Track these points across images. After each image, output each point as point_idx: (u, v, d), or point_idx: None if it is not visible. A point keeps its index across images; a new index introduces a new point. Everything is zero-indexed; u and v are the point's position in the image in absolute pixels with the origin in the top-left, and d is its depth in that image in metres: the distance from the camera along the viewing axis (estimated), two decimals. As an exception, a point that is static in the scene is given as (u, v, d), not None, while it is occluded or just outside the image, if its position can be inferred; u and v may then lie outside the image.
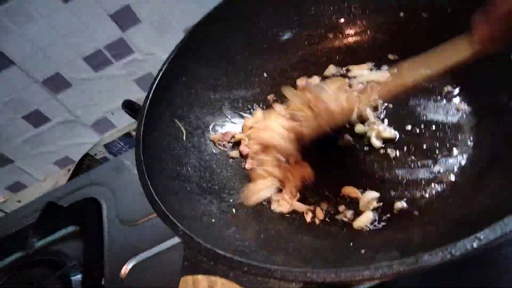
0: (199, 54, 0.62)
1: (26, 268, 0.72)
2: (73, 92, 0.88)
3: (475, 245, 0.25)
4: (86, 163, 1.03)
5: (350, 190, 0.49)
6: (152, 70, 0.89)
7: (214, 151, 0.60)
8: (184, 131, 0.58)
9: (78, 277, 0.66)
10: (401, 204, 0.45)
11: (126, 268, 0.63)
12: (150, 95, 0.55)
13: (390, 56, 0.60)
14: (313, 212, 0.50)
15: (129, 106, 0.90)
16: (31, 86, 0.85)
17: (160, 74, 0.57)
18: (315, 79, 0.63)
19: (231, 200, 0.54)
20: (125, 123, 0.97)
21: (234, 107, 0.64)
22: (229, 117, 0.64)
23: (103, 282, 0.63)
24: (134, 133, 1.00)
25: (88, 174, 0.84)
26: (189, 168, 0.56)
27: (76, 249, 0.73)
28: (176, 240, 0.63)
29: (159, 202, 0.43)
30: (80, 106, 0.92)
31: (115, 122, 0.97)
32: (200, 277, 0.36)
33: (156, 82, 0.57)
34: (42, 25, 0.76)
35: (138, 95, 0.93)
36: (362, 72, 0.60)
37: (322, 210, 0.49)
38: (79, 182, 0.82)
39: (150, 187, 0.44)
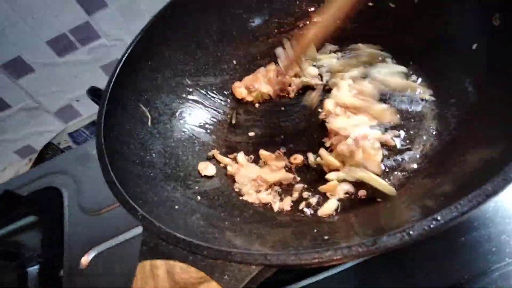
0: (167, 38, 0.60)
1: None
2: (35, 77, 0.84)
3: (432, 225, 0.24)
4: (50, 152, 0.98)
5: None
6: (119, 56, 0.86)
7: (180, 137, 0.58)
8: (149, 116, 0.56)
9: (36, 268, 0.63)
10: (364, 192, 0.45)
11: (86, 259, 0.60)
12: (114, 76, 0.53)
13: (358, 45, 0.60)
14: (281, 201, 0.49)
15: (95, 93, 0.87)
16: (-10, 70, 0.81)
17: (126, 56, 0.55)
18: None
19: (196, 187, 0.53)
20: (91, 111, 0.94)
21: (202, 93, 0.62)
22: (197, 103, 0.62)
23: (61, 273, 0.60)
24: (100, 122, 0.96)
25: (50, 162, 0.80)
26: (153, 154, 0.54)
27: (35, 240, 0.69)
28: (138, 230, 0.61)
29: (117, 185, 0.41)
30: (43, 93, 0.88)
31: (80, 110, 0.94)
32: (158, 262, 0.34)
33: (121, 64, 0.55)
34: (1, 5, 0.72)
35: (105, 82, 0.89)
36: (331, 61, 0.60)
37: (290, 200, 0.49)
38: (40, 171, 0.78)
39: (110, 170, 0.42)
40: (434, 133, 0.47)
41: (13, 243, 0.70)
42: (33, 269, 0.63)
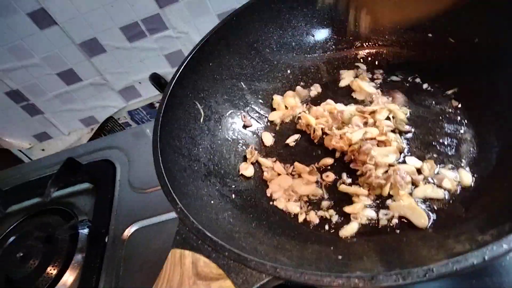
0: (230, 42, 0.64)
1: (41, 214, 0.78)
2: (106, 57, 0.93)
3: (426, 276, 0.27)
4: (109, 125, 1.08)
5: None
6: (182, 48, 0.92)
7: (227, 137, 0.63)
8: (202, 114, 0.61)
9: (85, 231, 0.72)
10: (385, 222, 0.48)
11: (128, 231, 0.68)
12: (178, 74, 0.58)
13: (415, 76, 0.61)
14: (307, 214, 0.53)
15: (156, 80, 0.94)
16: (69, 47, 0.90)
17: (190, 56, 0.60)
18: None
19: (233, 186, 0.57)
20: (151, 94, 1.01)
21: (254, 97, 0.67)
22: (247, 107, 0.66)
23: (106, 240, 0.68)
24: (157, 104, 1.04)
25: (110, 137, 0.89)
26: (200, 149, 0.59)
27: (88, 205, 0.79)
28: (175, 215, 0.67)
29: (165, 176, 0.46)
30: (111, 72, 0.96)
31: (141, 91, 1.02)
32: (187, 252, 0.39)
33: (185, 63, 0.59)
34: (86, -8, 0.80)
35: (166, 70, 0.96)
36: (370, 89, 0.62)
37: (316, 214, 0.52)
38: (100, 144, 0.87)
39: (160, 161, 0.48)
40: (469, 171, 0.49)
41: (69, 204, 0.80)
42: (84, 232, 0.72)
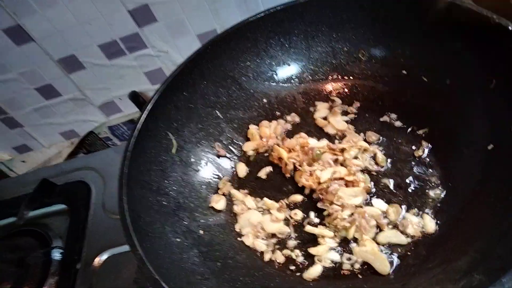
0: (205, 71, 0.64)
1: (14, 235, 0.77)
2: (85, 74, 0.92)
3: None
4: (90, 139, 1.07)
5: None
6: (162, 66, 0.92)
7: (199, 167, 0.63)
8: (175, 144, 0.61)
9: (58, 255, 0.71)
10: (348, 266, 0.48)
11: (100, 259, 0.68)
12: (150, 106, 0.58)
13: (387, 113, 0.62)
14: (273, 252, 0.53)
15: (135, 98, 0.94)
16: (47, 63, 0.89)
17: (164, 87, 0.60)
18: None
19: (201, 220, 0.58)
20: (131, 110, 1.01)
21: (230, 126, 0.67)
22: (221, 136, 0.66)
23: (78, 267, 0.68)
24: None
25: (86, 157, 0.89)
26: (171, 181, 0.59)
27: (63, 227, 0.78)
28: None
29: (127, 219, 0.46)
30: (91, 88, 0.95)
31: (121, 107, 1.01)
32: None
33: (159, 95, 0.59)
34: (63, 10, 0.79)
35: (146, 87, 0.96)
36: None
37: (282, 254, 0.52)
38: (76, 163, 0.87)
39: (125, 202, 0.48)
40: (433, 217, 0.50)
41: (43, 225, 0.79)
42: (56, 257, 0.71)
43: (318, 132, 0.64)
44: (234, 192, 0.61)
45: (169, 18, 0.83)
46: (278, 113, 0.68)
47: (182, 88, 0.63)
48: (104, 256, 0.68)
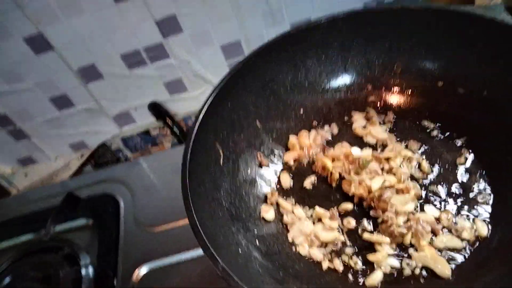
0: (247, 82, 0.65)
1: (38, 252, 0.74)
2: (103, 84, 0.91)
3: None
4: (100, 151, 1.05)
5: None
6: (182, 76, 0.92)
7: (245, 178, 0.63)
8: (222, 155, 0.61)
9: (90, 272, 0.69)
10: (409, 271, 0.50)
11: (138, 273, 0.66)
12: (200, 118, 0.58)
13: (425, 123, 0.65)
14: (330, 261, 0.54)
15: (155, 108, 0.93)
16: (65, 72, 0.87)
17: (212, 98, 0.60)
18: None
19: (255, 231, 0.58)
20: (146, 121, 1.00)
21: (269, 136, 0.67)
22: (262, 146, 0.67)
23: (115, 283, 0.66)
24: (153, 132, 1.02)
25: (107, 169, 0.87)
26: (222, 193, 0.59)
27: (87, 242, 0.76)
28: (194, 253, 0.67)
29: (202, 233, 0.46)
30: (107, 98, 0.94)
31: (136, 118, 1.00)
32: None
33: (207, 105, 0.59)
34: (89, 19, 0.78)
35: (164, 97, 0.96)
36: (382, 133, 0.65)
37: (340, 261, 0.53)
38: (97, 176, 0.84)
39: (195, 216, 0.47)
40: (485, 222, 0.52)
41: (67, 241, 0.76)
42: (88, 273, 0.69)
43: (357, 142, 0.66)
44: (282, 202, 0.62)
45: (194, 29, 0.84)
46: (315, 123, 0.70)
47: (227, 99, 0.63)
48: (143, 271, 0.67)
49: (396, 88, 0.68)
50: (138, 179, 0.80)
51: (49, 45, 0.81)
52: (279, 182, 0.65)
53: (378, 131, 0.65)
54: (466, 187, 0.56)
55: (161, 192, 0.79)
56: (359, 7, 0.82)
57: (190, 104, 0.97)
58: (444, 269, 0.49)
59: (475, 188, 0.56)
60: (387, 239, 0.53)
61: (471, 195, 0.56)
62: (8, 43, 0.79)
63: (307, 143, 0.67)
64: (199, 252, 0.66)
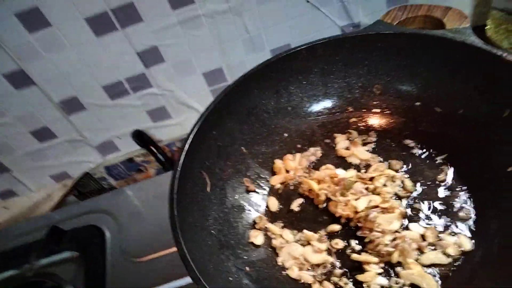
0: (231, 110, 0.66)
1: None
2: (85, 115, 0.90)
3: None
4: (84, 180, 1.04)
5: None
6: (166, 104, 0.92)
7: (233, 204, 0.63)
8: (209, 182, 0.62)
9: (78, 307, 0.67)
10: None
11: (128, 307, 0.65)
12: (187, 148, 0.58)
13: (406, 141, 0.66)
14: (321, 283, 0.54)
15: (139, 136, 0.93)
16: (46, 106, 0.87)
17: (196, 128, 0.60)
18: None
19: (244, 257, 0.58)
20: (130, 149, 0.99)
21: (255, 161, 0.68)
22: (249, 172, 0.67)
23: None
24: (136, 159, 1.02)
25: (91, 200, 0.85)
26: (210, 220, 0.59)
27: (73, 275, 0.74)
28: (183, 281, 0.66)
29: (192, 265, 0.46)
30: (90, 129, 0.93)
31: (119, 146, 0.99)
32: None
33: (193, 135, 0.59)
34: (70, 53, 0.79)
35: (148, 125, 0.96)
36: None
37: (330, 283, 0.54)
38: (81, 208, 0.83)
39: (184, 247, 0.47)
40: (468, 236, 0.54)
41: (52, 275, 0.74)
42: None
43: (341, 163, 0.68)
44: (270, 226, 0.62)
45: (176, 58, 0.85)
46: (299, 146, 0.71)
47: (212, 127, 0.64)
48: (132, 303, 0.66)
49: (376, 109, 0.70)
50: (123, 208, 0.79)
51: (30, 80, 0.81)
52: (267, 206, 0.66)
53: (360, 152, 0.67)
54: (448, 203, 0.58)
55: (147, 221, 0.79)
56: (336, 32, 0.84)
57: (174, 130, 0.97)
58: (431, 286, 0.50)
59: (457, 203, 0.58)
60: (375, 259, 0.54)
61: (454, 210, 0.57)
62: (-13, 80, 0.79)
63: (293, 166, 0.68)
64: (188, 280, 0.66)
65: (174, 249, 0.66)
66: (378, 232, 0.55)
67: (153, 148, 0.94)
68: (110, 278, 0.70)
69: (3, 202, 1.06)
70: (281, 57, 0.68)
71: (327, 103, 0.72)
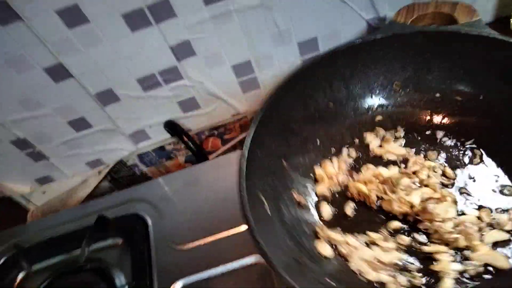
0: (269, 129, 0.62)
1: (75, 272, 0.74)
2: (119, 106, 0.88)
3: None
4: (116, 167, 1.04)
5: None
6: (196, 95, 0.90)
7: (292, 220, 0.60)
8: (265, 203, 0.58)
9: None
10: (473, 272, 0.51)
11: (174, 288, 0.66)
12: (245, 170, 0.55)
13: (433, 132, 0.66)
14: (398, 280, 0.53)
15: (171, 126, 0.93)
16: (83, 97, 0.84)
17: (247, 150, 0.57)
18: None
19: (324, 270, 0.55)
20: (160, 137, 0.98)
21: (296, 173, 0.65)
22: (293, 184, 0.65)
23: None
24: (167, 147, 1.03)
25: (130, 190, 0.86)
26: (281, 243, 0.55)
27: (119, 261, 0.74)
28: (225, 268, 0.66)
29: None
30: (123, 118, 0.92)
31: (150, 135, 0.99)
32: None
33: (246, 157, 0.56)
34: (107, 48, 0.76)
35: (178, 115, 0.94)
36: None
37: (407, 280, 0.52)
38: (122, 196, 0.84)
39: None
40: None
41: (99, 260, 0.75)
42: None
43: (377, 161, 0.66)
44: (333, 235, 0.59)
45: (207, 51, 0.82)
46: (333, 150, 0.69)
47: (256, 146, 0.59)
48: (177, 286, 0.67)
49: (399, 104, 0.69)
50: (160, 197, 0.80)
51: (69, 73, 0.79)
52: (320, 215, 0.63)
53: (395, 148, 0.64)
54: (489, 184, 0.58)
55: (184, 209, 0.79)
56: (361, 26, 0.83)
57: (202, 120, 0.95)
58: (503, 262, 0.49)
59: (497, 183, 0.57)
60: (444, 247, 0.52)
61: (497, 190, 0.57)
62: (29, 74, 0.78)
63: (333, 171, 0.65)
64: (230, 266, 0.67)
65: (214, 237, 0.69)
66: (439, 222, 0.53)
67: (185, 137, 0.95)
68: (156, 264, 0.68)
69: (41, 188, 1.08)
70: (305, 67, 0.66)
71: (351, 105, 0.70)
